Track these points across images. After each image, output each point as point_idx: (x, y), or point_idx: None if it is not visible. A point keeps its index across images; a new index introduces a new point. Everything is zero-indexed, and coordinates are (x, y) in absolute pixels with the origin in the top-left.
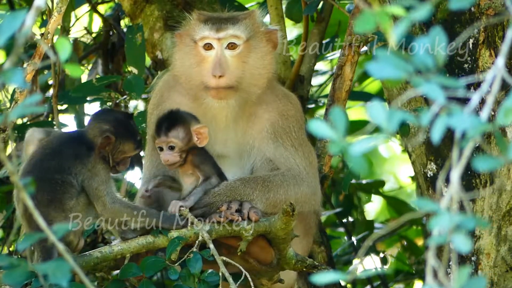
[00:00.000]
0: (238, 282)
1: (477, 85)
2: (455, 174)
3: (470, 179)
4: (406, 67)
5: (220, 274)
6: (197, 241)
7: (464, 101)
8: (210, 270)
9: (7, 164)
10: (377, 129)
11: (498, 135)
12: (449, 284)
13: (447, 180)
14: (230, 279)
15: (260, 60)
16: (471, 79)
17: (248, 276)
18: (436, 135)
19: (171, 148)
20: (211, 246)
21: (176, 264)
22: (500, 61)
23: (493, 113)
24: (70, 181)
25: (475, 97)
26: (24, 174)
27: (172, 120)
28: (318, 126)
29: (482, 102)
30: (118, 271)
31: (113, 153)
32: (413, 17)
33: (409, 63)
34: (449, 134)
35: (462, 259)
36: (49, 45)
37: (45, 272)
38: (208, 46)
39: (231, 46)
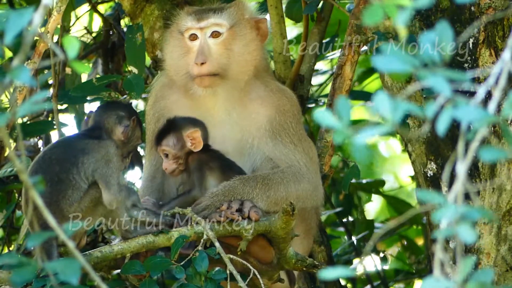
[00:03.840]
0: (247, 280)
1: (479, 83)
2: (462, 167)
3: (470, 179)
4: (412, 60)
5: (228, 272)
6: (202, 240)
7: (469, 96)
8: (217, 268)
9: (16, 162)
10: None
11: (504, 128)
12: (454, 276)
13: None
14: (238, 277)
15: (245, 47)
16: (477, 72)
17: (256, 273)
18: (442, 127)
19: (166, 156)
20: (217, 244)
21: (180, 264)
22: (507, 54)
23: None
24: (70, 180)
25: (481, 91)
26: (30, 174)
27: (164, 128)
28: (322, 116)
29: (487, 100)
30: (118, 270)
31: (130, 140)
32: (416, 5)
33: (415, 57)
34: (449, 134)
35: None
36: (49, 44)
37: (54, 270)
38: (193, 37)
39: (215, 34)
